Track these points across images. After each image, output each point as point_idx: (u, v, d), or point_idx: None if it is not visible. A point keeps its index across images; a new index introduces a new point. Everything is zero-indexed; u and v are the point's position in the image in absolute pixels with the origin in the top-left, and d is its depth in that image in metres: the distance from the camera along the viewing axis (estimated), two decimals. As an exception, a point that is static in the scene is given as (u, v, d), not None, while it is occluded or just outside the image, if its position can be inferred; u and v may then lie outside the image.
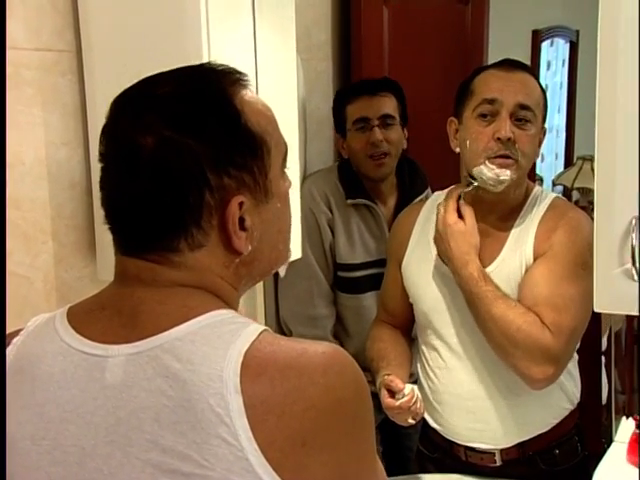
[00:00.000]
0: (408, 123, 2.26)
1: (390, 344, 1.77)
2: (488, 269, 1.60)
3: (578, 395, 1.73)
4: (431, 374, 1.72)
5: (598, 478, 1.58)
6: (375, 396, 1.15)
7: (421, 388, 1.71)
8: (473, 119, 1.60)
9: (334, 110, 2.32)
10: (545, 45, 4.97)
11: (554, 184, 4.70)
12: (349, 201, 2.21)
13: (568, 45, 5.37)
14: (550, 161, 5.36)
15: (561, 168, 5.22)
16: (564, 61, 5.44)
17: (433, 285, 1.69)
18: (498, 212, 1.65)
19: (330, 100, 2.36)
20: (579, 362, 1.73)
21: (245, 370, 0.74)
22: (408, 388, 1.57)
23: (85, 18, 1.52)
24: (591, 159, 4.02)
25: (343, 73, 2.58)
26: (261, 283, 2.22)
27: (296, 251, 1.73)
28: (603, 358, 2.34)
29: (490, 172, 1.56)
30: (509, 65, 1.63)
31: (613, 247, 1.30)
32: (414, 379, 1.77)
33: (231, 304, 0.86)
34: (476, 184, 1.59)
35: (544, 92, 1.65)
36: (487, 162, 1.56)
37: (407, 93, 2.26)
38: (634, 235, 1.27)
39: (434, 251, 1.68)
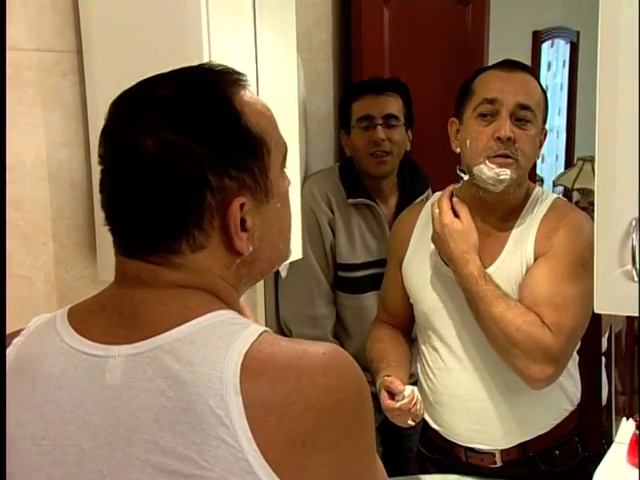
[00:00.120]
0: (413, 125, 2.27)
1: (390, 345, 1.77)
2: (489, 269, 1.60)
3: (578, 396, 1.73)
4: (431, 375, 1.72)
5: (598, 479, 1.58)
6: (375, 397, 1.15)
7: (421, 389, 1.72)
8: (473, 119, 1.60)
9: (340, 106, 2.34)
10: (545, 46, 4.97)
11: (554, 185, 4.70)
12: (350, 201, 2.21)
13: (569, 46, 5.37)
14: (550, 162, 5.36)
15: (561, 169, 5.21)
16: (564, 62, 5.44)
17: (433, 285, 1.69)
18: (499, 212, 1.65)
19: (331, 101, 2.36)
20: (579, 363, 1.73)
21: (245, 371, 0.74)
22: (408, 390, 1.57)
23: (86, 18, 1.52)
24: (591, 160, 4.01)
25: (343, 74, 2.58)
26: (261, 283, 2.22)
27: (297, 251, 1.73)
28: (603, 359, 2.34)
29: (490, 171, 1.56)
30: (510, 65, 1.64)
31: (613, 248, 1.30)
32: (414, 380, 1.77)
33: (231, 304, 0.86)
34: (466, 178, 1.59)
35: (545, 93, 1.65)
36: (487, 161, 1.56)
37: (407, 94, 2.27)
38: (634, 236, 1.27)
39: (435, 251, 1.68)
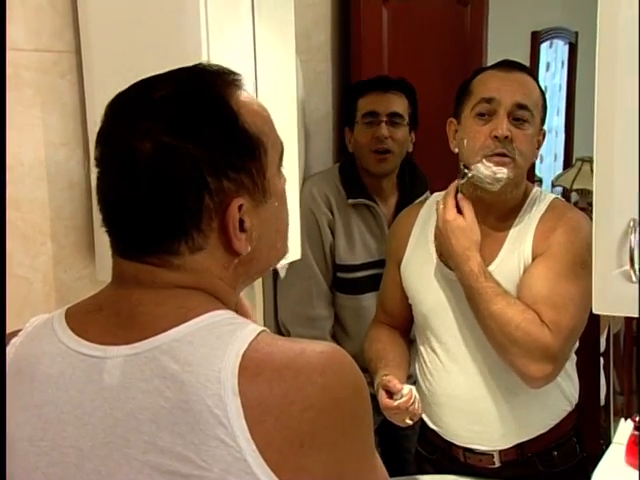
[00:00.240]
0: (417, 127, 2.27)
1: (388, 345, 1.77)
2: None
3: (577, 396, 1.73)
4: (429, 376, 1.72)
5: (596, 479, 1.58)
6: (373, 398, 1.15)
7: (420, 390, 1.71)
8: (471, 118, 1.61)
9: (346, 102, 2.34)
10: (544, 46, 4.97)
11: (553, 185, 4.70)
12: (350, 201, 2.21)
13: (567, 47, 5.37)
14: (549, 162, 5.36)
15: (560, 169, 5.21)
16: (563, 62, 5.43)
17: (432, 286, 1.69)
18: (497, 212, 1.65)
19: (329, 101, 2.36)
20: (578, 363, 1.73)
21: (243, 371, 0.74)
22: (406, 389, 1.57)
23: (84, 19, 1.52)
24: (590, 160, 4.01)
25: (342, 74, 2.58)
26: (260, 284, 2.22)
27: (295, 252, 1.73)
28: (602, 359, 2.34)
29: (487, 170, 1.56)
30: (508, 65, 1.64)
31: (612, 249, 1.30)
32: (413, 381, 1.77)
33: (229, 304, 0.86)
34: (471, 174, 1.59)
35: (543, 93, 1.65)
36: (484, 160, 1.57)
37: (407, 94, 2.27)
38: (633, 237, 1.27)
39: (434, 252, 1.68)
